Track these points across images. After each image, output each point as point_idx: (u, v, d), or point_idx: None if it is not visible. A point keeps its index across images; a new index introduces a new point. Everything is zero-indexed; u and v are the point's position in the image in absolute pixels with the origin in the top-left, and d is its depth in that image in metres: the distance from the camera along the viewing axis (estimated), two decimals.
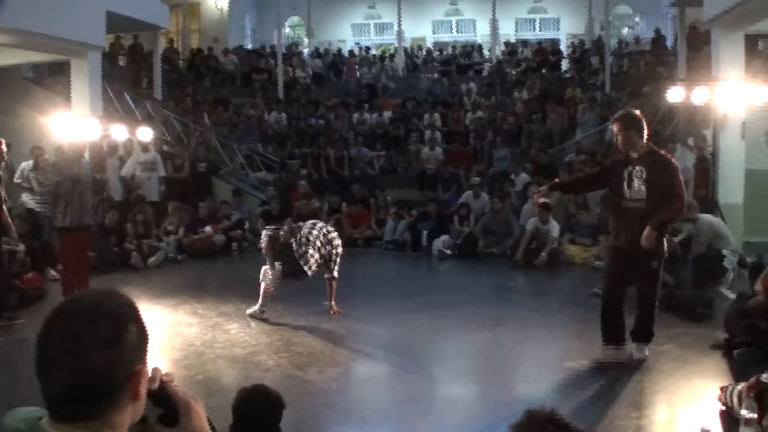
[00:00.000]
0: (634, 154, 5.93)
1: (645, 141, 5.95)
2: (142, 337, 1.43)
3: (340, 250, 7.99)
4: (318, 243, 7.72)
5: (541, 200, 6.79)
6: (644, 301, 6.05)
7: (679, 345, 6.50)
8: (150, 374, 1.45)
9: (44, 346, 1.37)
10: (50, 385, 1.36)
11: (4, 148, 7.73)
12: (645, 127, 5.96)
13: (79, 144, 9.36)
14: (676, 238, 9.17)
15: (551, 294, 9.57)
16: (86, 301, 1.43)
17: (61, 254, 8.89)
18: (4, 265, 8.06)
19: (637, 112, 6.10)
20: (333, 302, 8.03)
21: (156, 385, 1.45)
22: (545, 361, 6.22)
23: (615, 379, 5.64)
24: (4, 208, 8.05)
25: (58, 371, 1.34)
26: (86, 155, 10.10)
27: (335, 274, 7.96)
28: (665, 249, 5.99)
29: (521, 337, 6.97)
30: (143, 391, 1.42)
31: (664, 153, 5.97)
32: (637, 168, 5.88)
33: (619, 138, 5.99)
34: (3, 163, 8.46)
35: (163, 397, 1.45)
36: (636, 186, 5.87)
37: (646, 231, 5.64)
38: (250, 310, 7.88)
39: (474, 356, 6.70)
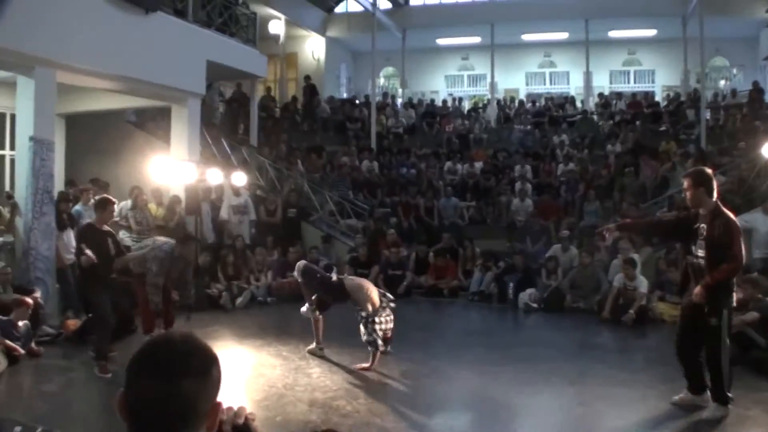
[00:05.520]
0: (702, 212, 6.06)
1: (714, 199, 6.03)
2: (221, 376, 1.57)
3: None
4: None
5: (608, 236, 6.75)
6: (707, 359, 6.11)
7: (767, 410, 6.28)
8: (237, 410, 1.58)
9: (141, 371, 1.50)
10: (143, 409, 1.48)
11: (115, 208, 8.22)
12: (714, 186, 6.06)
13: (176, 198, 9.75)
14: None
15: (637, 352, 9.38)
16: (179, 336, 1.59)
17: (140, 297, 8.78)
18: (123, 303, 8.46)
19: (709, 171, 6.25)
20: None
21: (241, 421, 1.57)
22: (626, 421, 6.10)
23: None
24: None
25: (154, 395, 1.46)
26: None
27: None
28: (726, 307, 5.95)
29: (603, 395, 6.85)
30: (216, 425, 1.55)
31: (727, 212, 6.01)
32: (702, 225, 6.02)
33: (688, 194, 6.13)
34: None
35: None
36: (699, 243, 6.03)
37: (697, 289, 5.91)
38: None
39: (553, 413, 6.62)
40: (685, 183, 6.17)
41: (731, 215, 6.03)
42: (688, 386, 6.31)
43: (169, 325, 8.71)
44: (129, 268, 8.64)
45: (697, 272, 6.06)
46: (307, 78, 22.71)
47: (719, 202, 6.09)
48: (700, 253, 6.01)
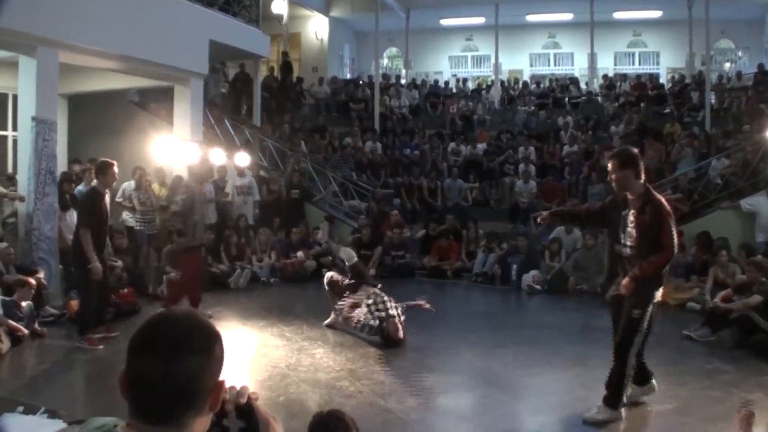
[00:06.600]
0: (630, 196, 5.56)
1: (642, 182, 5.53)
2: (223, 354, 1.55)
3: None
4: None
5: (541, 221, 6.58)
6: (617, 349, 5.71)
7: None
8: (239, 390, 1.56)
9: (142, 349, 1.47)
10: (144, 387, 1.45)
11: (116, 170, 8.15)
12: (642, 167, 5.54)
13: (205, 166, 9.75)
14: None
15: None
16: (181, 313, 1.56)
17: (182, 271, 9.30)
18: (107, 281, 8.45)
19: (635, 150, 5.76)
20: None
21: (244, 401, 1.55)
22: (628, 403, 6.09)
23: (697, 423, 5.51)
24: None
25: (155, 373, 1.43)
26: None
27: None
28: (652, 300, 5.51)
29: (605, 378, 6.83)
30: (219, 404, 1.53)
31: (657, 196, 5.52)
32: (630, 212, 5.56)
33: (614, 177, 5.59)
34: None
35: (247, 411, 1.56)
36: (629, 230, 5.57)
37: (625, 281, 5.49)
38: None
39: (555, 395, 6.63)
40: (610, 165, 5.65)
41: (662, 200, 5.55)
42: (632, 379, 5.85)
43: (196, 304, 8.70)
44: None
45: (627, 263, 5.59)
46: (285, 54, 22.59)
47: (648, 186, 5.59)
48: (629, 242, 5.55)
